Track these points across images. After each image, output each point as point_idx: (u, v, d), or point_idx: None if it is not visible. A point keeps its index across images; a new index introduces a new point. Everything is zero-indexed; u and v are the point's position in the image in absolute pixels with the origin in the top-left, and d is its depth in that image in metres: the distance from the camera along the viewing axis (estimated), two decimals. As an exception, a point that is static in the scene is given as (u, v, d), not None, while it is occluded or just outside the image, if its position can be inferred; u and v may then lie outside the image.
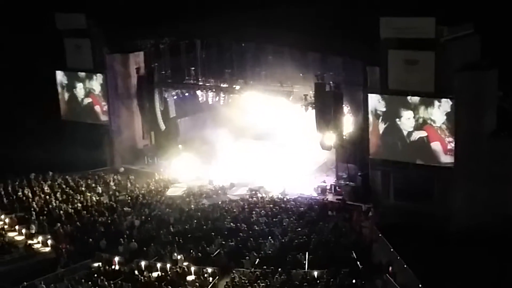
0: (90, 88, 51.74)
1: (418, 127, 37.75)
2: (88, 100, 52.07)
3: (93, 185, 44.67)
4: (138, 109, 51.70)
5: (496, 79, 37.54)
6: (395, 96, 38.30)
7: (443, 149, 37.25)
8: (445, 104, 36.62)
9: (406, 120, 38.10)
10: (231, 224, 36.59)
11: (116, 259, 33.10)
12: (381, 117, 39.02)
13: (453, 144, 36.85)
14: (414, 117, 37.77)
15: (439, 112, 36.89)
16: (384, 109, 38.82)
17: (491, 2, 42.40)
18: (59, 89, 53.39)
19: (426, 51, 36.80)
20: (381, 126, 39.16)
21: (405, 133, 38.33)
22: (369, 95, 39.36)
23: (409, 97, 37.63)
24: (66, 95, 53.30)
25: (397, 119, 38.35)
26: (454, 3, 39.82)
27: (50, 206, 40.18)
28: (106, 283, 30.53)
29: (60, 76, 53.22)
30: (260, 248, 33.33)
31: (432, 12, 36.90)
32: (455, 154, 36.83)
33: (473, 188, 36.62)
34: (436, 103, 36.87)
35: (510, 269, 31.37)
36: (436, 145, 37.47)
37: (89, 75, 51.53)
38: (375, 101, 39.07)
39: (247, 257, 32.29)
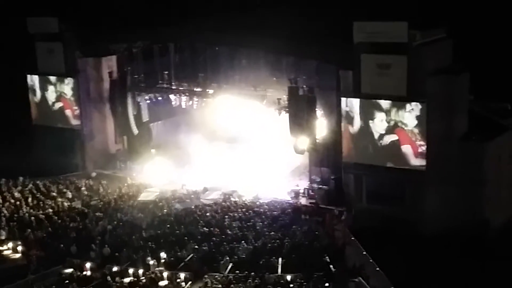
0: (61, 92, 51.17)
1: (390, 130, 37.94)
2: (59, 105, 51.49)
3: (64, 190, 44.11)
4: (111, 113, 51.30)
5: (468, 83, 37.95)
6: (368, 100, 38.48)
7: (413, 152, 37.46)
8: (416, 108, 36.89)
9: (379, 122, 38.27)
10: (204, 228, 36.35)
11: (88, 265, 32.65)
12: (353, 121, 39.16)
13: (424, 148, 37.11)
14: (386, 120, 37.98)
15: (410, 115, 37.14)
16: (356, 113, 38.97)
17: (463, 7, 42.92)
18: (30, 93, 52.73)
19: (399, 55, 37.01)
20: (353, 130, 39.32)
21: (376, 135, 38.51)
22: (342, 98, 39.50)
23: (381, 101, 37.86)
24: (37, 99, 52.67)
25: (370, 121, 38.50)
26: (427, 8, 40.22)
27: (21, 211, 39.55)
28: (77, 289, 30.18)
29: (30, 79, 52.56)
30: (233, 253, 33.15)
31: (405, 16, 37.16)
32: (426, 157, 37.09)
33: (445, 191, 36.81)
34: (408, 106, 37.12)
35: (483, 272, 31.60)
36: (406, 148, 37.69)
37: (60, 79, 50.99)
38: (348, 105, 39.21)
39: (221, 262, 32.11)
